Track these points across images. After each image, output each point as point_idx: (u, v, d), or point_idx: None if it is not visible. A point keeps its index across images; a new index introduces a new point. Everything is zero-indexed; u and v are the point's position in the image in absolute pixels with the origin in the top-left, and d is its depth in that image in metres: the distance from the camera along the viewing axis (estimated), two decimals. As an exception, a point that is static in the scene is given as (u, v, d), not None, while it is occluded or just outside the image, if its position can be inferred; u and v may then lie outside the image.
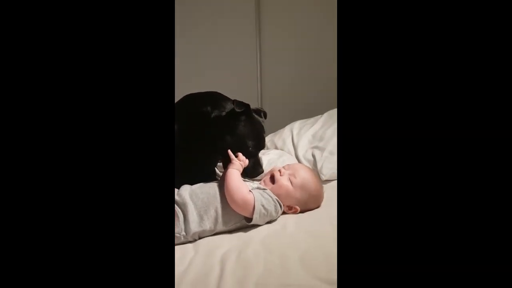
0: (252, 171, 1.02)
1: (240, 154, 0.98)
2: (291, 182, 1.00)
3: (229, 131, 0.99)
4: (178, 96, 1.23)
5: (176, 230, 0.87)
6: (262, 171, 1.04)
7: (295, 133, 1.58)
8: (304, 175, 1.03)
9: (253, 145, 0.99)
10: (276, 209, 0.94)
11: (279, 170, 1.01)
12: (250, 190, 0.92)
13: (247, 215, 0.90)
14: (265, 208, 0.90)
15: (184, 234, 0.87)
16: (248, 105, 0.99)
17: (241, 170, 0.98)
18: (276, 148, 1.60)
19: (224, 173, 1.17)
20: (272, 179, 1.00)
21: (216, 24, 2.17)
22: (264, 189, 0.97)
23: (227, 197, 0.91)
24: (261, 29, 2.14)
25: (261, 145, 1.04)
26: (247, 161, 1.00)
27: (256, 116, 1.03)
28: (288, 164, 1.08)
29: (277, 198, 0.95)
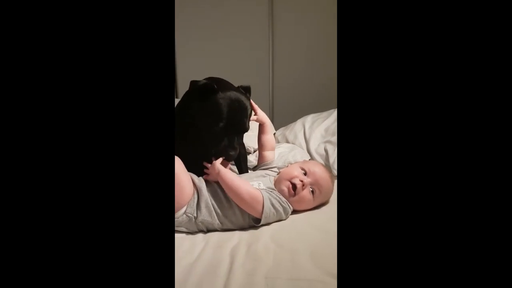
0: (220, 153, 0.93)
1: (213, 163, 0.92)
2: (313, 194, 0.96)
3: (197, 115, 0.94)
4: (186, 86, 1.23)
5: (189, 210, 0.87)
6: (233, 155, 0.94)
7: (307, 127, 1.56)
8: (327, 186, 0.98)
9: (222, 126, 0.90)
10: (285, 211, 0.92)
11: (302, 180, 0.95)
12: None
13: (256, 214, 0.88)
14: (274, 208, 0.89)
15: (195, 216, 0.87)
16: (203, 84, 0.91)
17: (225, 165, 0.93)
18: (287, 141, 1.58)
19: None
20: (293, 187, 0.94)
21: (228, 15, 2.15)
22: (272, 189, 0.94)
23: (233, 198, 0.88)
24: (273, 22, 2.11)
25: (235, 126, 0.92)
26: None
27: (231, 95, 0.93)
28: (307, 165, 1.00)
29: (286, 200, 0.93)
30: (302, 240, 0.81)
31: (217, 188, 0.93)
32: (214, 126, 0.90)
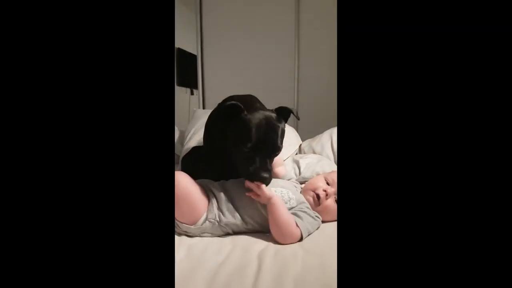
0: (253, 176, 0.86)
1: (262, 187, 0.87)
2: (337, 203, 0.97)
3: (226, 136, 0.93)
4: (216, 95, 1.26)
5: (210, 216, 0.87)
6: (267, 178, 0.87)
7: (334, 138, 1.55)
8: None
9: (250, 146, 0.86)
10: (318, 226, 0.92)
11: (325, 190, 0.96)
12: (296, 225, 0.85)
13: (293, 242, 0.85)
14: (310, 233, 0.88)
15: (218, 220, 0.87)
16: (229, 105, 0.89)
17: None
18: (314, 153, 1.57)
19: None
20: (317, 197, 0.96)
21: (255, 27, 2.21)
22: (303, 202, 0.94)
23: (273, 230, 0.84)
24: (300, 34, 2.14)
25: (265, 145, 0.87)
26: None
27: (258, 114, 0.90)
28: (332, 176, 1.02)
29: (317, 215, 0.93)
30: (331, 248, 0.79)
31: (241, 189, 0.92)
32: (242, 147, 0.87)
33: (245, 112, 0.90)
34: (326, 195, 0.96)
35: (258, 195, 0.87)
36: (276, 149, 0.90)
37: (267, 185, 0.88)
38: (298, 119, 1.01)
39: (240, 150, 0.87)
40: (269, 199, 0.86)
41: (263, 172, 0.85)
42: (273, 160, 0.92)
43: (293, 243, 0.83)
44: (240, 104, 0.90)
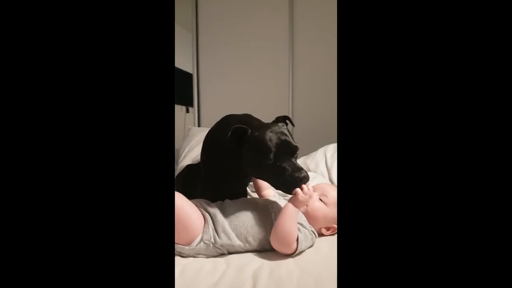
0: (291, 182, 0.87)
1: (304, 186, 0.87)
2: (324, 202, 0.98)
3: (245, 156, 0.95)
4: (212, 113, 1.28)
5: (205, 237, 0.86)
6: (304, 177, 0.89)
7: (328, 156, 1.56)
8: (333, 192, 1.02)
9: (272, 157, 0.87)
10: (312, 242, 0.91)
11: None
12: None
13: (285, 254, 0.86)
14: (303, 247, 0.88)
15: (213, 242, 0.86)
16: (235, 128, 0.92)
17: (304, 205, 0.91)
18: (308, 170, 1.58)
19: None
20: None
21: (250, 47, 2.25)
22: (302, 218, 0.94)
23: (274, 233, 0.85)
24: (294, 52, 2.18)
25: (284, 149, 0.89)
26: (313, 194, 0.93)
27: (263, 126, 0.94)
28: (315, 185, 1.03)
29: (313, 230, 0.92)
30: (326, 266, 0.78)
31: (238, 209, 0.92)
32: (266, 161, 0.88)
33: (250, 131, 0.92)
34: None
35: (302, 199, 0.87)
36: (294, 148, 0.91)
37: (307, 181, 0.89)
38: (293, 125, 1.05)
39: (266, 165, 0.88)
40: (290, 200, 0.88)
41: (298, 173, 0.87)
42: (296, 159, 0.93)
43: (286, 254, 0.84)
44: (246, 127, 0.93)
